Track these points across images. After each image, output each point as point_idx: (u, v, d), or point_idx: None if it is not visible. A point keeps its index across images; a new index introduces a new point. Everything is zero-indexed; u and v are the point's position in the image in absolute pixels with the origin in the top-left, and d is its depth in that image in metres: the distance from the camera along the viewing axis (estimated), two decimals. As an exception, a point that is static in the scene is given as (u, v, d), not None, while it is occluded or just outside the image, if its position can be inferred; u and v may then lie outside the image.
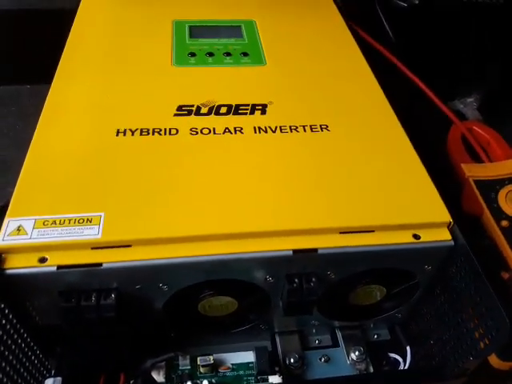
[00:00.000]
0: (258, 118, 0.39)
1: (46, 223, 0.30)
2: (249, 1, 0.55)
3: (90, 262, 0.29)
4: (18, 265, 0.28)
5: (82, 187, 0.32)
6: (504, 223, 0.44)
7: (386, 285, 0.36)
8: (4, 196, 0.32)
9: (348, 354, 0.39)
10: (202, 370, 0.36)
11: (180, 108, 0.39)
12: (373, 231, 0.32)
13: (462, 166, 0.50)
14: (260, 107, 0.40)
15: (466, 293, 0.33)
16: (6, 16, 0.69)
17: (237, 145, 0.37)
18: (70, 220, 0.30)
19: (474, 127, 0.56)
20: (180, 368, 0.37)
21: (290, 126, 0.39)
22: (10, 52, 0.64)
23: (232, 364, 0.38)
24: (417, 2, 0.58)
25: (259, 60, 0.46)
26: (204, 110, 0.39)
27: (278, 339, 0.39)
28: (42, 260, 0.28)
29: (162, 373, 0.35)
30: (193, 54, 0.46)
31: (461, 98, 0.64)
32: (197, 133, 0.37)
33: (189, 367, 0.36)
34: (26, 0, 0.66)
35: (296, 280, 0.32)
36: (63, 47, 0.45)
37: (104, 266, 0.29)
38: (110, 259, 0.29)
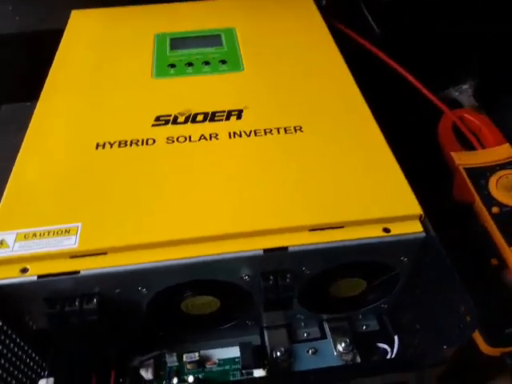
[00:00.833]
0: (233, 124, 0.40)
1: (26, 236, 0.32)
2: (230, 9, 0.56)
3: (68, 271, 0.31)
4: (1, 276, 0.30)
5: (62, 200, 0.34)
6: (495, 210, 0.44)
7: (366, 277, 0.37)
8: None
9: (335, 346, 0.39)
10: (188, 366, 0.37)
11: (158, 118, 0.41)
12: (342, 227, 0.33)
13: (452, 154, 0.50)
14: (236, 112, 0.41)
15: (438, 283, 0.33)
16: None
17: (211, 151, 0.38)
18: (49, 232, 0.32)
19: (465, 114, 0.55)
20: (168, 365, 0.38)
21: (265, 130, 0.40)
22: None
23: (218, 359, 0.39)
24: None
25: (237, 66, 0.47)
26: (181, 119, 0.41)
27: (265, 333, 0.40)
28: (24, 270, 0.31)
29: (150, 370, 0.37)
30: (173, 66, 0.47)
31: (455, 85, 0.63)
32: (173, 141, 0.39)
33: (176, 364, 0.38)
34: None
35: (271, 277, 0.33)
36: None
37: (82, 273, 0.31)
38: (87, 266, 0.31)
